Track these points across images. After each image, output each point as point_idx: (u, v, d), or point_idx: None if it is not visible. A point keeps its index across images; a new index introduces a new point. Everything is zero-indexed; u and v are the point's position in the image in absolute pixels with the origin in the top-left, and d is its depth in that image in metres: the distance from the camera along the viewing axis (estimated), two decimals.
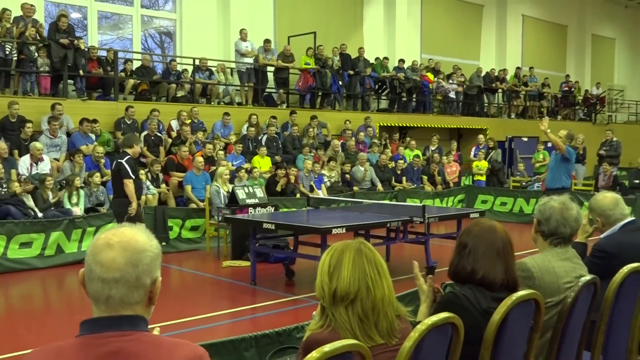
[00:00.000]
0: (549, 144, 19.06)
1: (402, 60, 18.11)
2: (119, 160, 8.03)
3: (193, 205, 11.07)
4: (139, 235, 1.76)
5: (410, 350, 2.19)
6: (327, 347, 1.95)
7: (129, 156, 8.06)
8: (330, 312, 2.40)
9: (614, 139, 16.81)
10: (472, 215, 9.00)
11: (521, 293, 2.70)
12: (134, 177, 8.02)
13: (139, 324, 1.72)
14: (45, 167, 10.48)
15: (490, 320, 2.59)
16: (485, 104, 20.74)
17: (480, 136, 17.30)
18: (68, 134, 11.70)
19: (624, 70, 29.69)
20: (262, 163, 13.01)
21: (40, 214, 9.55)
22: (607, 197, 4.05)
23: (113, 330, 1.68)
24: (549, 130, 9.38)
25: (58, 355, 1.67)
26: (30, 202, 9.65)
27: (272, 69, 15.52)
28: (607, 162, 14.76)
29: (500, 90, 21.15)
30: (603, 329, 3.39)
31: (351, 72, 16.72)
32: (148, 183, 11.17)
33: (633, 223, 4.02)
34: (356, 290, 2.38)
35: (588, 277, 3.13)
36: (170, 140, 12.80)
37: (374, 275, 2.42)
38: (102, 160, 11.21)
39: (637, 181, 13.72)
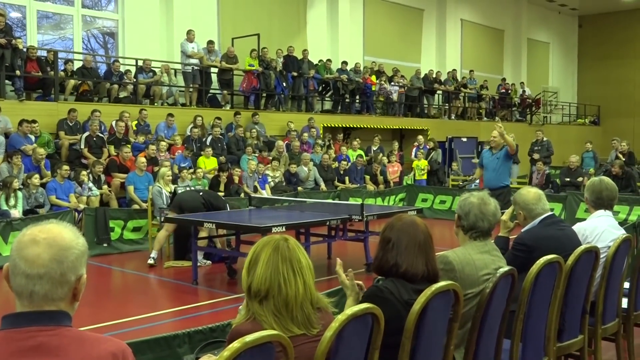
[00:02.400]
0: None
1: (345, 62, 18.35)
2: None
3: (136, 206, 11.02)
4: (65, 233, 1.77)
5: (331, 340, 2.28)
6: (248, 338, 2.00)
7: None
8: (249, 304, 2.49)
9: (545, 138, 17.44)
10: (409, 213, 9.25)
11: (440, 284, 2.81)
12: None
13: (62, 319, 1.73)
14: None
15: (410, 310, 2.70)
16: (426, 105, 21.21)
17: (420, 137, 17.69)
18: (6, 135, 11.48)
19: (557, 73, 30.73)
20: (208, 163, 13.05)
21: None
22: (531, 192, 4.22)
23: (35, 325, 1.69)
24: (505, 132, 9.32)
25: None
26: None
27: (216, 70, 15.55)
28: (540, 161, 15.34)
29: (439, 92, 21.64)
30: (521, 318, 3.53)
31: (295, 74, 16.87)
32: (90, 184, 11.06)
33: (551, 217, 4.24)
34: (267, 288, 2.45)
35: (505, 268, 3.27)
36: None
37: (286, 273, 2.48)
38: (43, 162, 11.04)
39: (568, 179, 14.26)
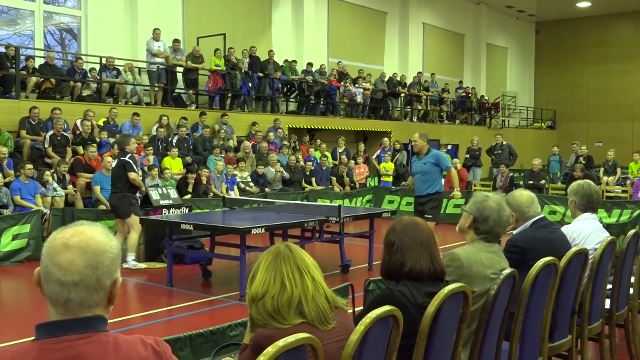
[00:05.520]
0: (449, 147, 19.93)
1: (310, 64, 18.37)
2: (122, 158, 8.89)
3: (102, 207, 10.79)
4: (98, 236, 1.70)
5: (357, 342, 2.31)
6: (281, 342, 2.02)
7: (129, 154, 8.95)
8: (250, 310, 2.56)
9: (504, 142, 17.75)
10: (384, 215, 9.33)
11: (452, 287, 2.85)
12: (137, 170, 8.97)
13: (98, 325, 1.68)
14: None
15: (425, 312, 2.75)
16: (389, 108, 21.37)
17: (385, 139, 17.83)
18: None
19: (515, 77, 31.31)
20: (173, 164, 12.87)
21: None
22: (524, 195, 4.29)
23: (72, 333, 1.63)
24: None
25: None
26: None
27: (182, 69, 15.38)
28: (503, 164, 15.63)
29: (402, 95, 21.84)
30: (521, 319, 3.63)
31: (260, 75, 16.80)
32: (55, 184, 10.80)
33: (542, 220, 4.32)
34: (265, 290, 2.52)
35: (508, 270, 3.32)
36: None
37: (291, 274, 2.56)
38: (5, 161, 10.73)
39: (531, 182, 14.55)
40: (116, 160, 9.34)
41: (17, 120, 12.07)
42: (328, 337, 2.50)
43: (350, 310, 3.36)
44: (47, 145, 11.83)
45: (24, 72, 12.87)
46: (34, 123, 12.04)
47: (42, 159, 11.88)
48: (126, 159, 8.94)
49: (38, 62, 13.59)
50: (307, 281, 2.57)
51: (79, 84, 13.65)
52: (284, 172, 14.51)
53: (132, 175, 8.88)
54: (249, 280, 2.62)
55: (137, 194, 9.36)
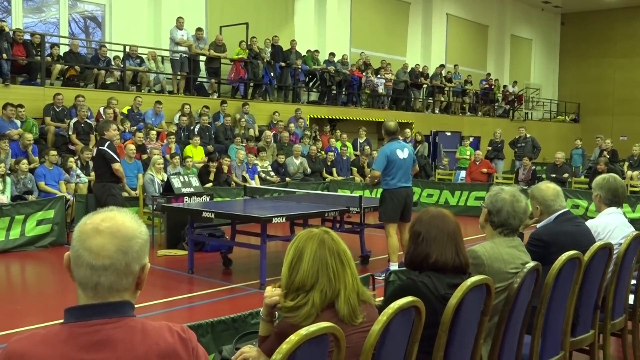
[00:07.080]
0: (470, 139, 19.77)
1: (332, 54, 18.33)
2: (101, 147, 8.47)
3: (125, 194, 10.87)
4: (128, 221, 1.73)
5: (379, 332, 2.32)
6: (303, 331, 2.04)
7: (108, 142, 8.51)
8: (292, 298, 2.51)
9: (528, 135, 17.57)
10: None
11: (475, 279, 2.84)
12: (119, 160, 8.57)
13: (126, 309, 1.71)
14: None
15: (447, 304, 2.74)
16: (411, 99, 21.27)
17: (407, 130, 17.75)
18: None
19: (539, 70, 30.97)
20: (195, 153, 12.93)
21: None
22: (550, 188, 4.25)
23: (101, 317, 1.66)
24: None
25: (43, 344, 1.63)
26: None
27: (204, 58, 15.43)
28: (526, 156, 15.46)
29: (425, 86, 21.70)
30: (543, 313, 3.60)
31: (283, 64, 16.80)
32: (78, 171, 10.93)
33: (567, 214, 4.27)
34: (313, 282, 2.48)
35: (532, 263, 3.30)
36: None
37: (335, 267, 2.52)
38: (31, 147, 10.87)
39: (554, 175, 14.37)
40: (96, 149, 8.82)
41: (42, 107, 12.21)
42: (353, 327, 2.50)
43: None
44: (71, 132, 11.96)
45: (49, 60, 13.01)
46: (58, 110, 12.17)
47: (66, 145, 12.01)
48: (105, 148, 8.47)
49: (63, 49, 13.73)
50: (348, 275, 2.54)
51: (103, 72, 13.77)
52: (307, 167, 14.51)
53: (115, 166, 8.53)
54: (286, 265, 2.55)
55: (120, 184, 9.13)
